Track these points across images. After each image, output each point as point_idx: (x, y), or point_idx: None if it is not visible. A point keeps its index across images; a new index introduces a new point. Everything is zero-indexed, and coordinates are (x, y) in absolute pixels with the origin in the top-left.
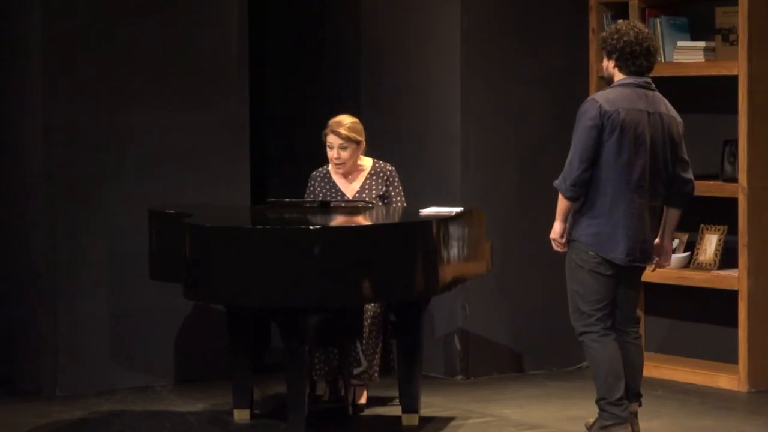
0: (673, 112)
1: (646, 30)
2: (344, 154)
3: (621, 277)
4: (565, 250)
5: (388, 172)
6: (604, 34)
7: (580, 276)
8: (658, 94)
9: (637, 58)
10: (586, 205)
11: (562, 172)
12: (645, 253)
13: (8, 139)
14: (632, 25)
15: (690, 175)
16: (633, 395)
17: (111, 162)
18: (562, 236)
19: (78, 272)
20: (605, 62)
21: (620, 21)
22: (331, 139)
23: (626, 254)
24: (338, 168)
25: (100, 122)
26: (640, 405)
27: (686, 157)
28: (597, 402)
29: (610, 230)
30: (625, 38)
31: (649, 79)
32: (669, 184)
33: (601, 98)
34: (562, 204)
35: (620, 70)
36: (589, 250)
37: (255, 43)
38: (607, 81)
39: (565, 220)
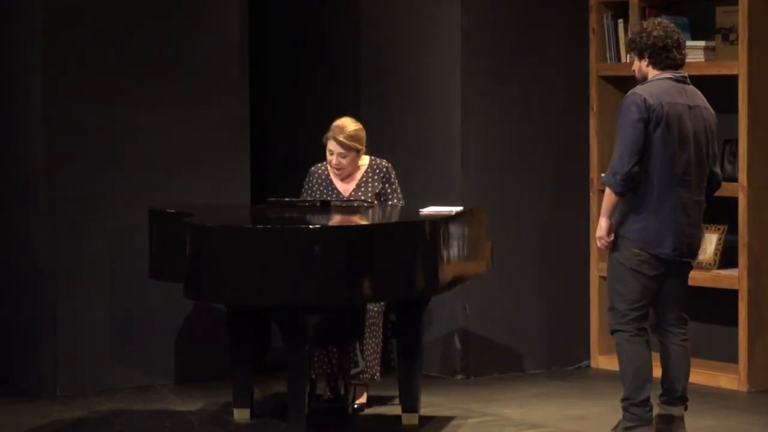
0: (708, 105)
1: (672, 24)
2: (344, 162)
3: (667, 275)
4: (610, 247)
5: (384, 169)
6: (630, 35)
7: (620, 274)
8: (693, 88)
9: (670, 51)
10: (632, 200)
11: (609, 168)
12: (692, 248)
13: (8, 139)
14: (657, 21)
15: (719, 170)
16: (678, 399)
17: (111, 161)
18: (609, 233)
19: (78, 272)
20: (637, 63)
21: (643, 21)
22: (332, 146)
23: (673, 249)
24: (337, 174)
25: (101, 122)
26: (686, 408)
27: (717, 152)
28: (621, 401)
29: (657, 226)
30: (654, 34)
31: (685, 74)
32: (710, 181)
33: (644, 92)
34: (609, 199)
35: (654, 66)
36: (633, 247)
37: (255, 43)
38: (641, 82)
39: (610, 217)
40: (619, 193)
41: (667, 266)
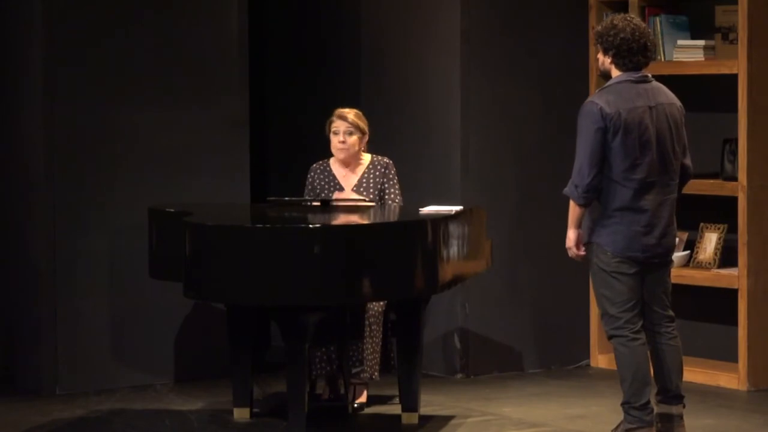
0: (673, 98)
1: (642, 24)
2: (350, 140)
3: (646, 273)
4: (581, 258)
5: (384, 165)
6: (599, 28)
7: (604, 279)
8: (656, 84)
9: (634, 55)
10: (598, 208)
11: (570, 179)
12: (665, 247)
13: (8, 139)
14: (628, 20)
15: (689, 161)
16: (673, 397)
17: (111, 161)
18: (578, 245)
19: (78, 272)
20: (601, 57)
21: (615, 15)
22: (337, 124)
23: (643, 251)
24: (341, 153)
25: (101, 121)
26: (684, 407)
27: (686, 143)
28: (622, 405)
29: (625, 230)
30: (621, 35)
31: (646, 74)
32: (681, 173)
33: (600, 100)
34: (574, 211)
35: (617, 66)
36: (608, 251)
37: (255, 42)
38: (603, 75)
39: (578, 227)
40: (583, 205)
41: (644, 265)
